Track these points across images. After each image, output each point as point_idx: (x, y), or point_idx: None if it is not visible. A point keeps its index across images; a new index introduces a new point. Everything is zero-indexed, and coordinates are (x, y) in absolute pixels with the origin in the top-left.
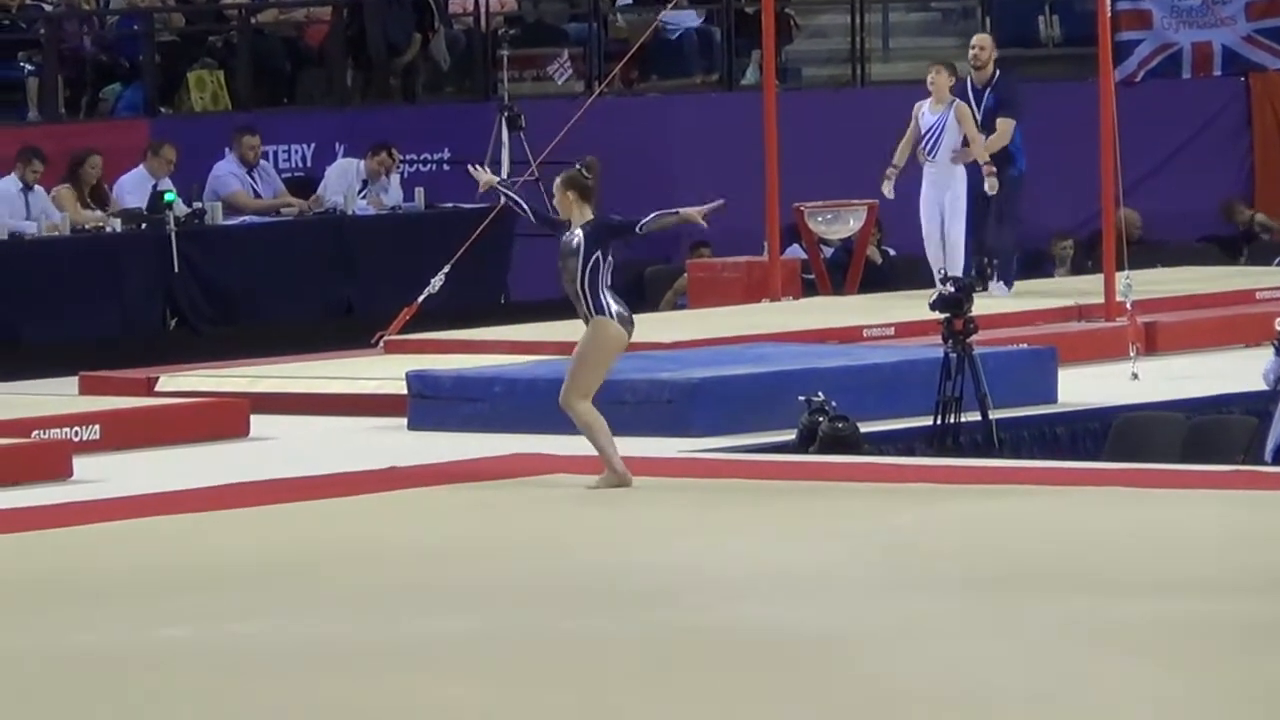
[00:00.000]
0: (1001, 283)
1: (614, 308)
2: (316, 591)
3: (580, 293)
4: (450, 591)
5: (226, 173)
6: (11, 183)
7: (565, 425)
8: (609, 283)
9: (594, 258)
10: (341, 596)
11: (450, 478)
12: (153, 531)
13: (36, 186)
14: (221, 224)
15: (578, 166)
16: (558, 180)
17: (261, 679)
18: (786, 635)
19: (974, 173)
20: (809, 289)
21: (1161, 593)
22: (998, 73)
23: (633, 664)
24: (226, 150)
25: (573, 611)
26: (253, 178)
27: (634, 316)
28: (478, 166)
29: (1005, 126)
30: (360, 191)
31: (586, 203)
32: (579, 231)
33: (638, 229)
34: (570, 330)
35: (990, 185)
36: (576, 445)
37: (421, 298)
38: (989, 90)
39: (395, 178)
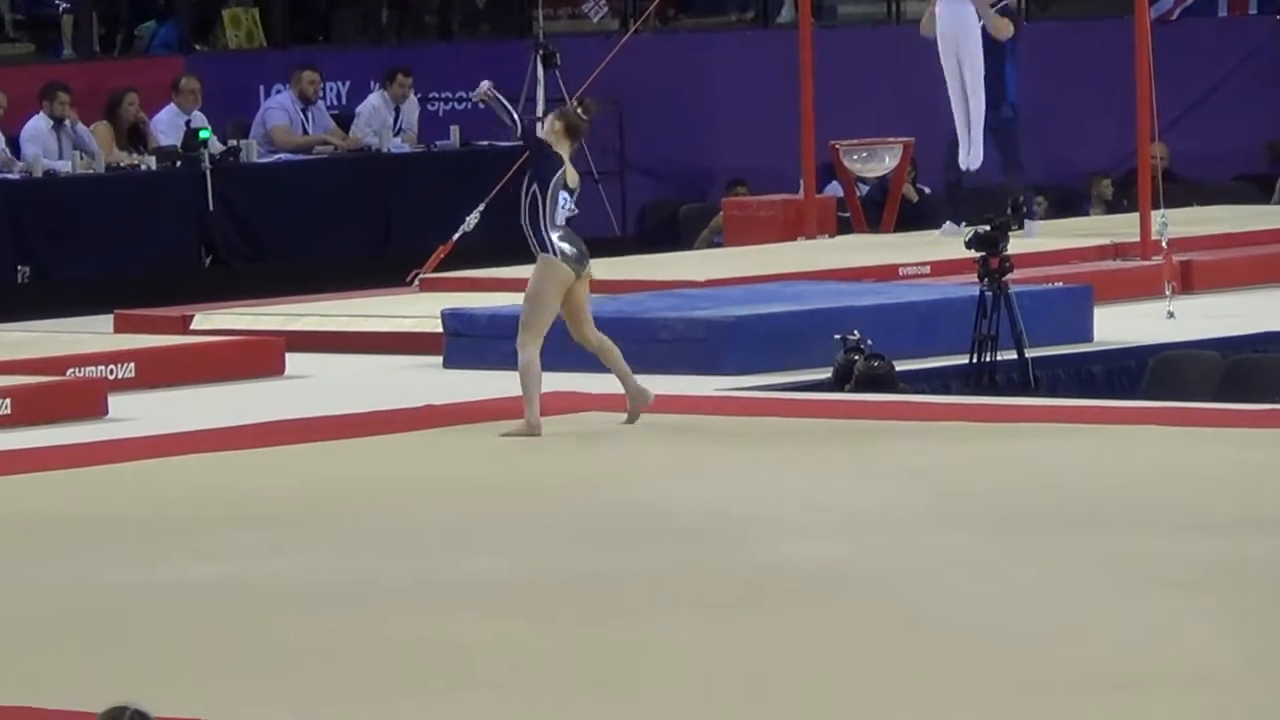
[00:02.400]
0: (949, 223)
1: (554, 246)
2: (351, 530)
3: (524, 228)
4: (488, 530)
5: (279, 105)
6: (41, 120)
7: (597, 364)
8: (557, 220)
9: (532, 192)
10: (376, 535)
11: (486, 416)
12: (187, 470)
13: (67, 123)
14: (256, 161)
15: (576, 106)
16: (553, 112)
17: (295, 617)
18: (822, 572)
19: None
20: (844, 227)
21: (1196, 532)
22: (1005, 3)
23: (671, 601)
24: (283, 86)
25: (609, 550)
26: (306, 115)
27: (666, 255)
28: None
29: (1006, 22)
30: (395, 130)
31: (569, 141)
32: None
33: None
34: (606, 268)
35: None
36: (608, 384)
37: (456, 236)
38: (992, 9)
39: (413, 100)
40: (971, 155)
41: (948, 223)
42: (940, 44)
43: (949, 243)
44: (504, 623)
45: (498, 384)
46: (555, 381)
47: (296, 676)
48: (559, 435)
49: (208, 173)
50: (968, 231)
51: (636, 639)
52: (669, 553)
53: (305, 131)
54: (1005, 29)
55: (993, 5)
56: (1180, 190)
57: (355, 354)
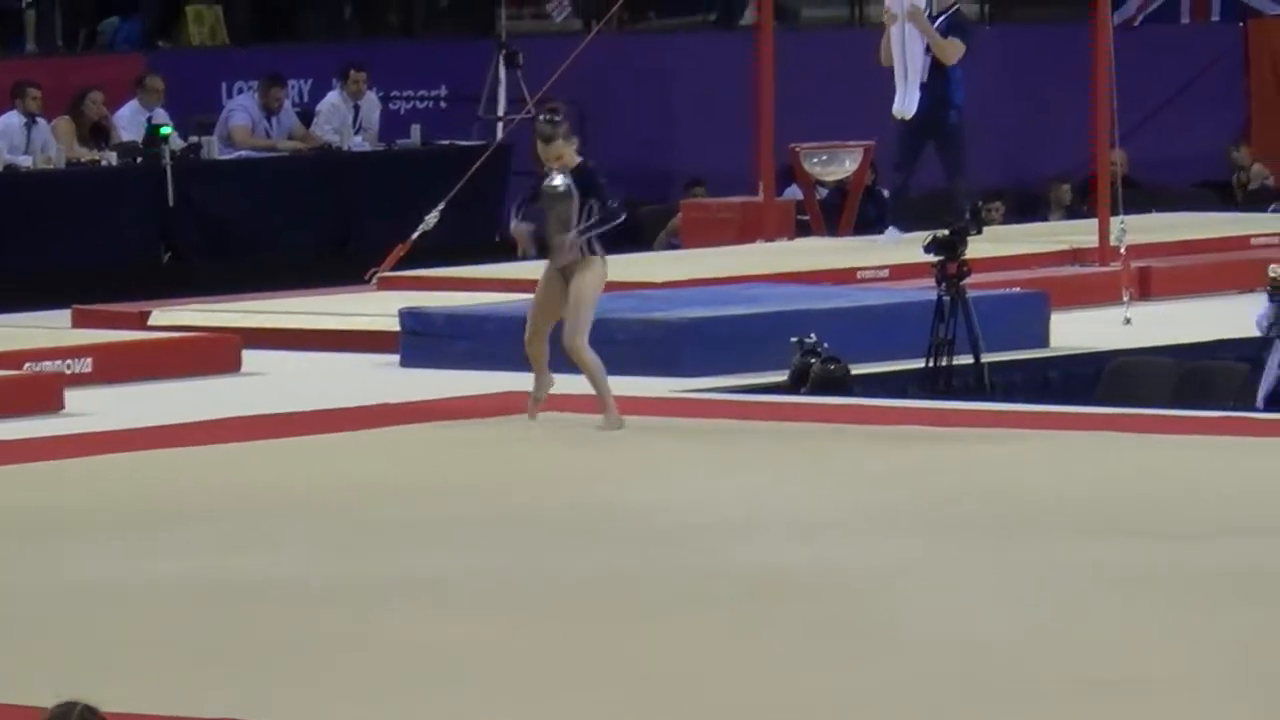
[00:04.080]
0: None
1: (598, 247)
2: (309, 527)
3: (569, 236)
4: (443, 529)
5: (241, 106)
6: (15, 117)
7: (557, 364)
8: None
9: (589, 203)
10: (333, 532)
11: (442, 415)
12: (144, 465)
13: (39, 120)
14: (217, 158)
15: (542, 116)
16: (550, 128)
17: (255, 613)
18: (782, 575)
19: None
20: (803, 230)
21: (1150, 537)
22: (957, 7)
23: (629, 603)
24: (249, 88)
25: (569, 550)
26: (270, 122)
27: (624, 256)
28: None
29: (954, 45)
30: (355, 128)
31: (544, 149)
32: (562, 177)
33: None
34: None
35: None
36: (568, 384)
37: (415, 234)
38: (944, 16)
39: (371, 97)
40: (906, 104)
41: (891, 228)
42: None
43: (907, 247)
44: (464, 622)
45: (454, 383)
46: (514, 381)
47: (262, 673)
48: (515, 435)
49: (168, 169)
50: (918, 237)
51: (598, 640)
52: (628, 553)
53: (268, 134)
54: (953, 54)
55: (943, 13)
56: (1139, 196)
57: (312, 351)
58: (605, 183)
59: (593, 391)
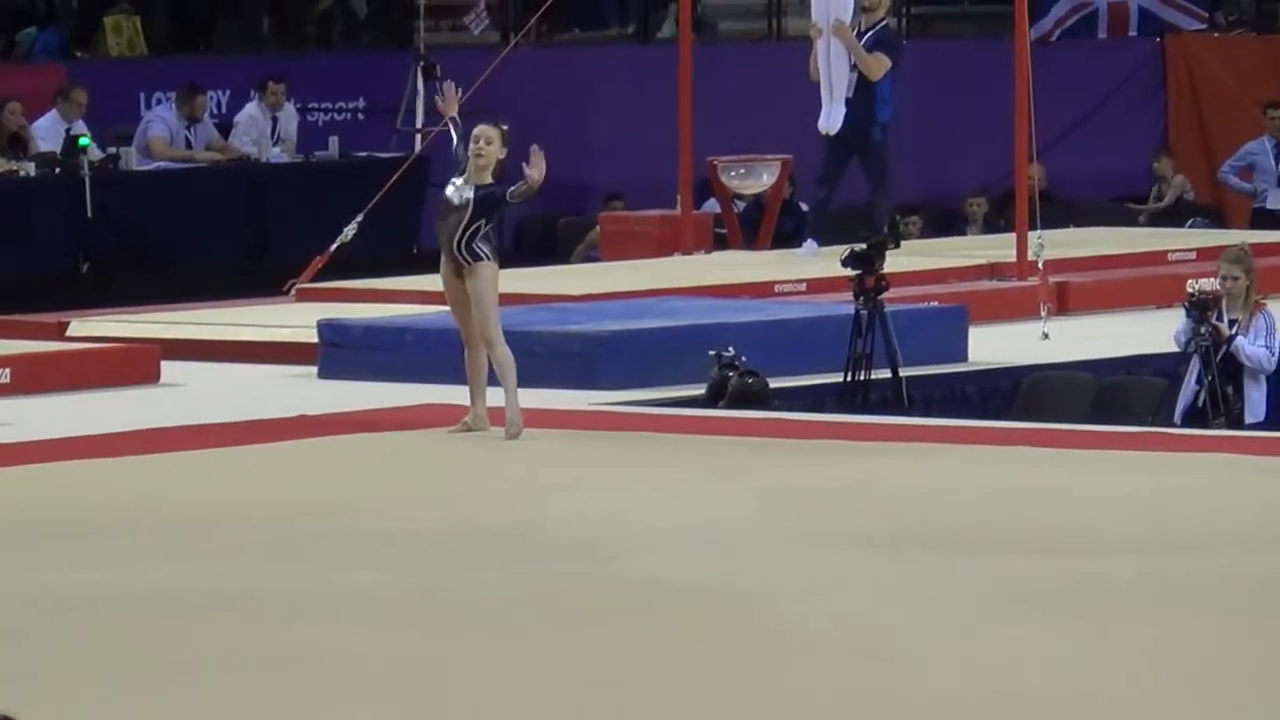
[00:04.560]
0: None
1: (485, 252)
2: (225, 539)
3: (462, 248)
4: (359, 542)
5: (159, 118)
6: None
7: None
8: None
9: (478, 223)
10: (249, 545)
11: (360, 427)
12: (61, 477)
13: None
14: (136, 169)
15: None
16: (500, 133)
17: (170, 625)
18: (696, 589)
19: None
20: (721, 243)
21: (1065, 553)
22: (885, 23)
23: (543, 616)
24: (168, 99)
25: (483, 563)
26: (190, 131)
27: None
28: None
29: (879, 61)
30: (273, 139)
31: (493, 145)
32: (471, 191)
33: (508, 197)
34: None
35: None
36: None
37: (334, 246)
38: (871, 32)
39: (289, 109)
40: (831, 120)
41: (809, 241)
42: (814, 6)
43: (825, 260)
44: (376, 634)
45: (372, 395)
46: (432, 394)
47: (177, 686)
48: (433, 447)
49: (87, 180)
50: (836, 251)
51: (509, 654)
52: (543, 567)
53: (188, 145)
54: (877, 69)
55: (871, 28)
56: (1057, 211)
57: (231, 363)
58: (499, 212)
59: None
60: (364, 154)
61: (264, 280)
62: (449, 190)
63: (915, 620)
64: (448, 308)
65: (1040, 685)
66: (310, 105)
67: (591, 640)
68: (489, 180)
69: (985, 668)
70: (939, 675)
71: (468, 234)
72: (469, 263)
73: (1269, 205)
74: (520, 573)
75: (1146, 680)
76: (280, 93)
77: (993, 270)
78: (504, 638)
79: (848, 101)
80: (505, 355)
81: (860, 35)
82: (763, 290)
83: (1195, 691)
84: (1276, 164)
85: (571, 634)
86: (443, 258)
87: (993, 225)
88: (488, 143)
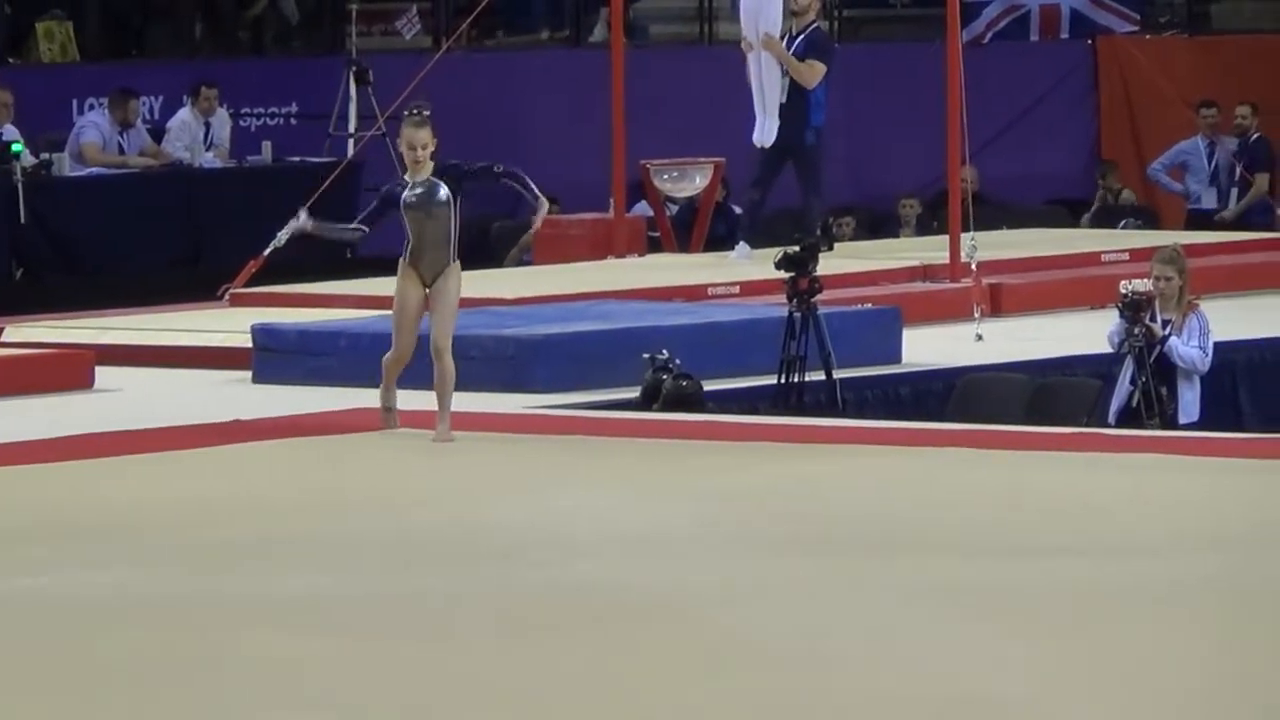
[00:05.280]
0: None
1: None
2: (159, 544)
3: (451, 241)
4: (293, 546)
5: (92, 124)
6: None
7: (409, 380)
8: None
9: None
10: (184, 550)
11: (294, 431)
12: None
13: None
14: (69, 175)
15: (410, 110)
16: (430, 127)
17: (101, 631)
18: (630, 593)
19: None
20: (654, 246)
21: (1001, 555)
22: (816, 25)
23: (477, 621)
24: (100, 105)
25: (417, 567)
26: (123, 136)
27: (476, 272)
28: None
29: (812, 68)
30: (206, 144)
31: (420, 130)
32: (442, 188)
33: (494, 169)
34: None
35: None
36: (420, 400)
37: (267, 251)
38: (801, 36)
39: (222, 114)
40: (765, 133)
41: (741, 244)
42: (742, 20)
43: (759, 263)
44: (308, 639)
45: (306, 399)
46: (366, 398)
47: (98, 692)
48: (367, 451)
49: (19, 186)
50: (769, 253)
51: (442, 658)
52: (478, 571)
53: (121, 151)
54: (811, 77)
55: (803, 32)
56: (990, 213)
57: (165, 368)
58: (473, 168)
59: (435, 399)
60: (297, 159)
61: (198, 285)
62: (417, 192)
63: (851, 622)
64: (381, 312)
65: (978, 686)
66: (243, 110)
67: (525, 645)
68: (431, 172)
69: (923, 669)
70: (876, 677)
71: (456, 221)
72: (451, 261)
73: (1203, 205)
74: (453, 577)
75: (1084, 680)
76: (213, 98)
77: (926, 272)
78: (437, 641)
79: (782, 107)
80: (451, 365)
81: (791, 39)
82: (696, 293)
83: (1130, 691)
84: (1209, 164)
85: (505, 639)
86: (411, 263)
87: (926, 227)
88: (424, 148)
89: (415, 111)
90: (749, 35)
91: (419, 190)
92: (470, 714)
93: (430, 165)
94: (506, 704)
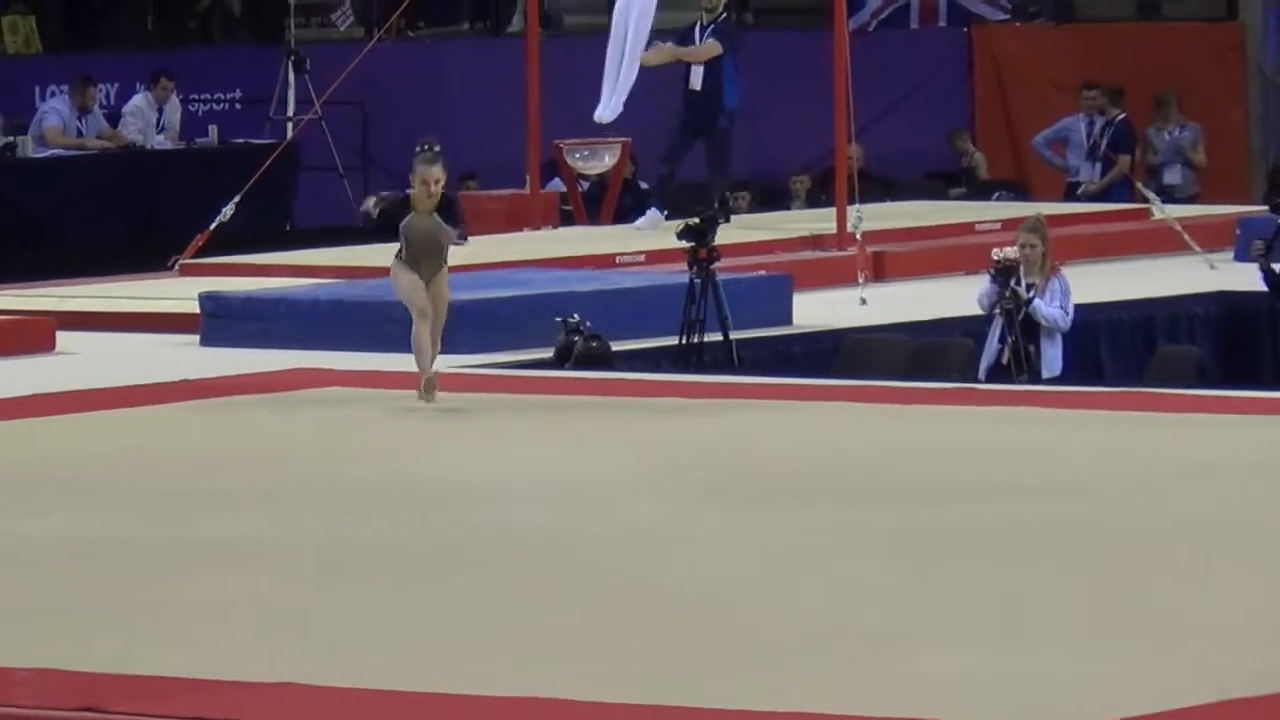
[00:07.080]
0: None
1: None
2: (113, 495)
3: (444, 253)
4: (238, 496)
5: (54, 109)
6: None
7: (342, 343)
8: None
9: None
10: (137, 499)
11: (238, 390)
12: None
13: None
14: (32, 156)
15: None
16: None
17: (52, 574)
18: (546, 537)
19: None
20: (567, 219)
21: (881, 499)
22: (725, 16)
23: (409, 564)
24: (61, 91)
25: (353, 515)
26: (81, 120)
27: None
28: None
29: (709, 46)
30: (158, 128)
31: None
32: (442, 223)
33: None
34: (348, 255)
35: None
36: (353, 361)
37: (214, 225)
38: (711, 27)
39: (175, 101)
40: (608, 110)
41: (652, 209)
42: (615, 11)
43: (662, 234)
44: (254, 580)
45: (249, 360)
46: (303, 359)
47: (56, 628)
48: (304, 408)
49: None
50: (673, 225)
51: (374, 598)
52: (407, 518)
53: (80, 134)
54: (706, 53)
55: (711, 24)
56: (875, 187)
57: (121, 332)
58: (458, 213)
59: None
60: (241, 141)
61: (150, 257)
62: (422, 230)
63: (749, 564)
64: (317, 281)
65: (873, 618)
66: (192, 96)
67: (450, 587)
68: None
69: (825, 609)
70: (773, 614)
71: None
72: (444, 264)
73: (1081, 178)
74: (386, 524)
75: (951, 612)
76: (170, 88)
77: (815, 242)
78: (364, 582)
79: (698, 91)
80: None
81: (702, 29)
82: (605, 262)
83: (995, 623)
84: (1088, 140)
85: (431, 581)
86: (409, 266)
87: (815, 200)
88: (436, 183)
89: (426, 147)
90: (618, 26)
91: (424, 228)
92: (392, 650)
93: (439, 197)
94: (426, 641)
